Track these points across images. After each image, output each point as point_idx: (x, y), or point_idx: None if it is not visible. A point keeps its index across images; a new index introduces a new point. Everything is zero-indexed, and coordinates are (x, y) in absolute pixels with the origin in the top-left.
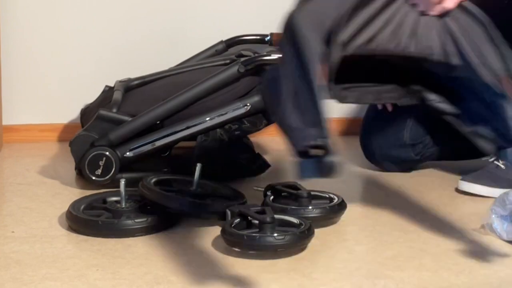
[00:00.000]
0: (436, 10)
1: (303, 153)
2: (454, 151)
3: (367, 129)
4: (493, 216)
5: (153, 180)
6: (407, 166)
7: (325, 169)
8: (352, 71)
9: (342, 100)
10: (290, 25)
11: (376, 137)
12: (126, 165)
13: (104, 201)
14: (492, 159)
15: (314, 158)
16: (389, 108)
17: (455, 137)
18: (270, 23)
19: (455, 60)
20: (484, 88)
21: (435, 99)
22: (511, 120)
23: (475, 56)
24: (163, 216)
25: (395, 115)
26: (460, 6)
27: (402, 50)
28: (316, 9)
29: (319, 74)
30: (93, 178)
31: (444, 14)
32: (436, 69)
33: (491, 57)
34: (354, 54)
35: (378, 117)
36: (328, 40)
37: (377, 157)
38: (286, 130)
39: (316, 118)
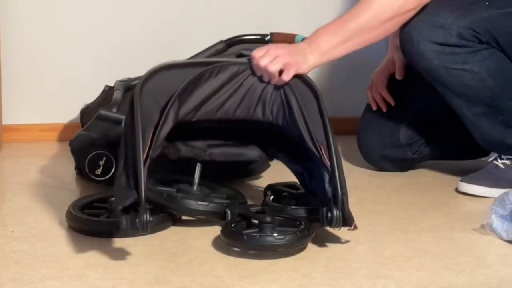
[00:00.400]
0: (278, 81)
1: (123, 210)
2: (452, 150)
3: (364, 130)
4: (493, 216)
5: (153, 180)
6: (404, 165)
7: (139, 226)
8: (215, 132)
9: (206, 157)
10: (134, 94)
11: (373, 137)
12: None
13: (104, 201)
14: (491, 159)
15: (132, 215)
16: (384, 109)
17: (452, 136)
18: (270, 22)
19: (290, 127)
20: (312, 154)
21: (283, 158)
22: (327, 183)
23: (303, 124)
24: (163, 216)
25: (390, 115)
26: (299, 77)
27: (251, 116)
28: (161, 82)
29: (147, 144)
30: (93, 177)
31: (285, 84)
32: (285, 131)
33: (316, 127)
34: (201, 119)
35: (374, 118)
36: (170, 108)
37: (374, 157)
38: (115, 185)
39: (135, 184)
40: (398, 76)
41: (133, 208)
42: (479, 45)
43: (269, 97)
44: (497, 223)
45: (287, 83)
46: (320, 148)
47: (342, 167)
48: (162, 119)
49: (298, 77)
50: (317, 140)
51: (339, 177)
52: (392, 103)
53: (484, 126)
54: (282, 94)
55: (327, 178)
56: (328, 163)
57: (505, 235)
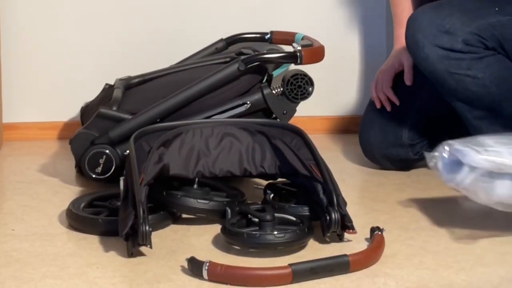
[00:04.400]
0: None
1: (126, 237)
2: None
3: (366, 127)
4: (438, 155)
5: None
6: (405, 165)
7: (140, 240)
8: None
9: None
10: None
11: (375, 136)
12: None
13: (105, 199)
14: None
15: (133, 236)
16: (388, 108)
17: (455, 137)
18: (270, 21)
19: (284, 169)
20: (305, 178)
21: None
22: (321, 194)
23: (295, 157)
24: (163, 214)
25: (394, 114)
26: (280, 126)
27: (242, 173)
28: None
29: (138, 181)
30: (93, 176)
31: (268, 137)
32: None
33: (305, 154)
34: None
35: (378, 116)
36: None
37: (375, 155)
38: (119, 218)
39: (132, 202)
40: (407, 81)
41: (132, 228)
42: (485, 51)
43: (256, 152)
44: (440, 163)
45: (270, 135)
46: (311, 166)
47: (332, 175)
48: (149, 157)
49: (278, 126)
50: (306, 160)
51: (332, 181)
52: (397, 103)
53: (484, 128)
54: (268, 144)
55: (320, 189)
56: (319, 176)
57: (443, 178)
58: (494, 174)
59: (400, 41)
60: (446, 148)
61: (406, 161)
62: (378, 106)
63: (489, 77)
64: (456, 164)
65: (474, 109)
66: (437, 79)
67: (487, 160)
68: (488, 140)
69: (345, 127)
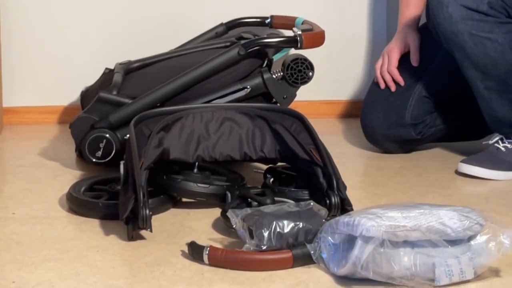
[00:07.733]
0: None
1: (126, 221)
2: (456, 131)
3: (369, 108)
4: (322, 244)
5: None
6: (408, 145)
7: (140, 223)
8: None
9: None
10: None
11: (378, 116)
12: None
13: (105, 183)
14: (493, 141)
15: (133, 219)
16: (393, 88)
17: (457, 117)
18: (270, 5)
19: (285, 153)
20: (305, 162)
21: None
22: (321, 178)
23: (295, 141)
24: (164, 198)
25: (397, 94)
26: (280, 111)
27: (242, 157)
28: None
29: (138, 165)
30: (93, 160)
31: (268, 121)
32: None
33: (305, 138)
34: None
35: (381, 96)
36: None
37: (377, 136)
38: (119, 202)
39: (133, 185)
40: (414, 62)
41: (132, 212)
42: (506, 18)
43: (256, 137)
44: (325, 252)
45: (270, 119)
46: (311, 150)
47: (332, 159)
48: (149, 141)
49: (279, 110)
50: (306, 144)
51: (332, 165)
52: (402, 83)
53: (493, 101)
54: (268, 129)
55: (320, 173)
56: (319, 161)
57: (333, 267)
58: (393, 242)
59: (406, 21)
60: (333, 225)
61: (408, 141)
62: (382, 86)
63: (508, 43)
64: (346, 250)
65: (486, 78)
66: (457, 41)
67: (382, 226)
68: (376, 209)
69: (345, 112)
